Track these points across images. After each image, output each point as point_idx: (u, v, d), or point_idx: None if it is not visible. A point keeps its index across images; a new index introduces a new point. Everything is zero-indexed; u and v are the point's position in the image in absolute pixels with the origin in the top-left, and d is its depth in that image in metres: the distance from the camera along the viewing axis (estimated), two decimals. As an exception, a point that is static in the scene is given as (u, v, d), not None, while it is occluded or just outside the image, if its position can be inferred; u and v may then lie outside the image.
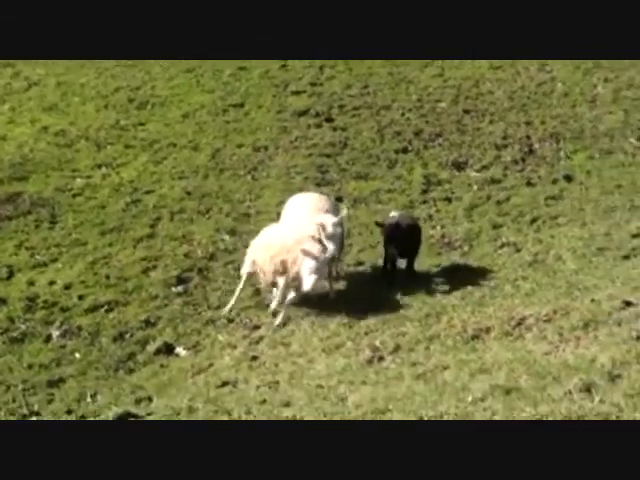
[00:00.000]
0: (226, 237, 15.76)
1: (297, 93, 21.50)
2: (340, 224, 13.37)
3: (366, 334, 12.01)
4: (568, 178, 17.11)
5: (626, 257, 13.30)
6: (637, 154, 17.79)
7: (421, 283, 13.56)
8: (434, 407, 9.06)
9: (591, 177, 16.99)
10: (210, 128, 20.12)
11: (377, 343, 11.56)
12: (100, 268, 15.00)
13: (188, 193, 17.39)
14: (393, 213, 14.12)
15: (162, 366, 12.53)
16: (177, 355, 12.82)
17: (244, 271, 13.63)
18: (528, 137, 18.84)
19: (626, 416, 7.86)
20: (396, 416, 9.07)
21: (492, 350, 10.42)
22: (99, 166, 18.77)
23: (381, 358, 11.21)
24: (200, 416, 10.31)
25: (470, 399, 9.13)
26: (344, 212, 13.87)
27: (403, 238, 13.58)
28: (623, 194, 16.06)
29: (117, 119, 20.92)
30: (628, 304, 11.00)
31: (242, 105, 21.21)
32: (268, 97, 21.39)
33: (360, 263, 14.64)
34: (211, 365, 12.21)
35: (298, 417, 9.67)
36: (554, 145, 18.48)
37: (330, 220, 13.19)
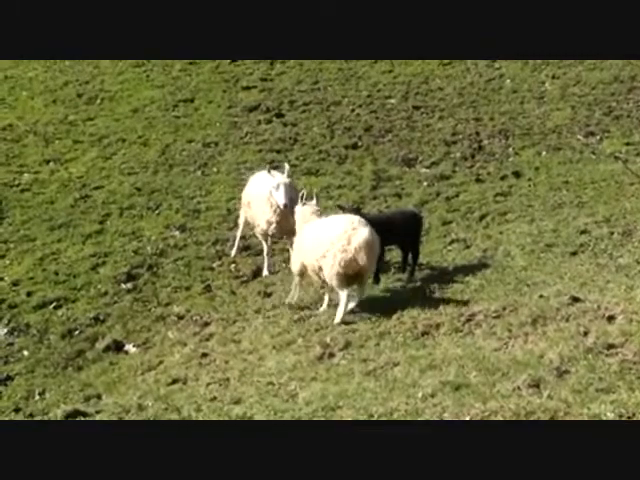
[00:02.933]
0: (176, 233, 15.71)
1: (247, 88, 21.49)
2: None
3: (316, 331, 11.99)
4: (517, 174, 17.24)
5: (574, 253, 13.40)
6: (584, 150, 17.96)
7: (371, 279, 13.58)
8: (384, 403, 9.08)
9: (539, 173, 17.13)
10: (160, 123, 20.04)
11: (327, 340, 11.55)
12: (49, 264, 14.89)
13: (138, 189, 17.31)
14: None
15: (111, 363, 12.44)
16: (126, 352, 12.73)
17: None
18: (477, 133, 18.96)
19: (574, 412, 7.93)
20: (346, 413, 9.09)
21: (442, 346, 10.45)
22: (47, 161, 18.66)
23: (331, 355, 11.19)
24: (150, 414, 10.24)
25: (420, 395, 9.16)
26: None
27: (419, 230, 13.66)
28: (570, 190, 16.19)
29: (66, 114, 20.79)
30: (576, 300, 11.09)
31: (192, 100, 21.17)
32: (218, 92, 21.35)
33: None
34: (161, 362, 12.13)
35: (248, 414, 9.66)
36: (503, 141, 18.62)
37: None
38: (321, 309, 12.60)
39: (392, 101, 20.71)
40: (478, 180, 17.10)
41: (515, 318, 10.89)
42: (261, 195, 14.01)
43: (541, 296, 11.54)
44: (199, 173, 17.89)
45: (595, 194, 15.89)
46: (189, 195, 17.01)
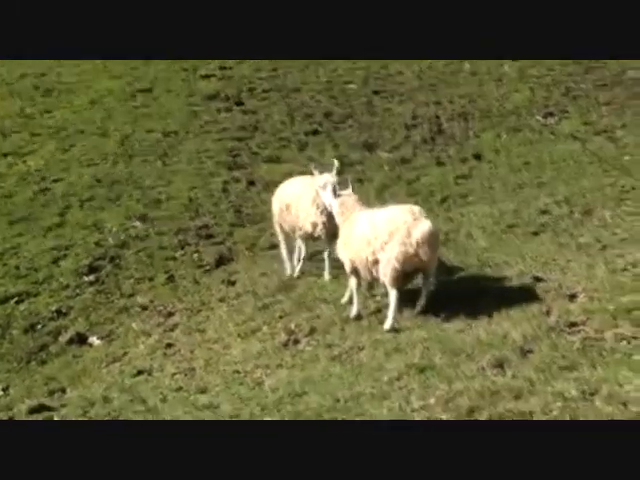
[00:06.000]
0: (137, 224, 15.62)
1: (206, 77, 21.40)
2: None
3: (281, 318, 11.99)
4: (477, 156, 17.30)
5: (535, 233, 13.48)
6: (543, 131, 18.05)
7: (334, 264, 13.57)
8: (350, 388, 9.11)
9: (499, 155, 17.20)
10: (119, 114, 19.90)
11: (292, 326, 11.56)
12: (9, 259, 14.77)
13: (97, 180, 17.19)
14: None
15: (75, 356, 12.38)
16: (90, 345, 12.68)
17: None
18: (437, 117, 19.00)
19: (538, 390, 7.98)
20: (313, 398, 9.11)
21: (406, 329, 10.48)
22: (5, 155, 18.49)
23: (297, 341, 11.21)
24: (115, 406, 10.22)
25: (386, 379, 9.20)
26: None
27: None
28: (530, 171, 16.27)
29: (22, 107, 20.60)
30: (538, 280, 11.16)
31: (151, 90, 21.03)
32: (177, 81, 21.24)
33: (273, 246, 14.61)
34: (125, 354, 12.10)
35: (215, 403, 9.67)
36: (462, 124, 18.67)
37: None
38: (343, 300, 11.73)
39: (352, 86, 20.71)
40: (439, 163, 17.14)
41: (478, 299, 10.93)
42: (303, 196, 12.90)
43: (504, 276, 11.61)
44: (159, 163, 17.79)
45: (555, 174, 15.98)
46: (150, 185, 16.92)
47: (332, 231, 12.31)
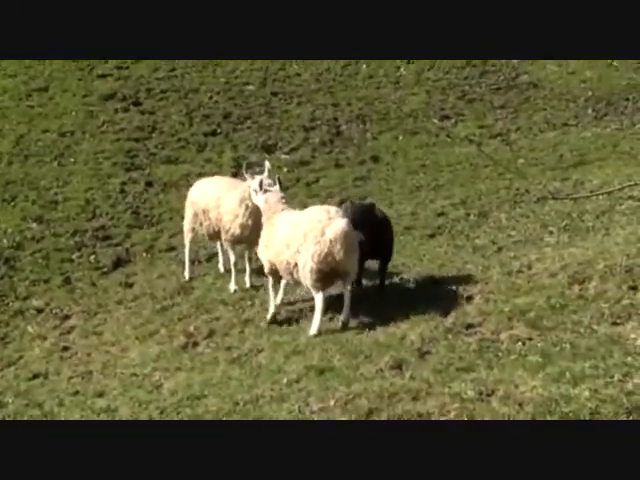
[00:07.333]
0: (33, 225, 15.38)
1: (103, 76, 21.12)
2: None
3: (180, 320, 11.94)
4: (375, 159, 17.46)
5: (432, 235, 13.67)
6: (440, 134, 18.30)
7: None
8: (250, 390, 9.10)
9: (397, 157, 17.38)
10: (13, 113, 19.53)
11: (191, 329, 11.52)
12: None
13: (-9, 181, 16.87)
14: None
15: (-31, 361, 12.13)
16: (-16, 349, 12.43)
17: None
18: (335, 119, 19.11)
19: (436, 391, 8.08)
20: (212, 401, 9.08)
21: (305, 331, 10.53)
22: None
23: (195, 344, 11.17)
24: (10, 410, 10.05)
25: (285, 381, 9.21)
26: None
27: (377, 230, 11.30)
28: (427, 173, 16.48)
29: None
30: (435, 281, 11.31)
31: (46, 89, 20.69)
32: (73, 81, 20.92)
33: (172, 248, 14.54)
34: (20, 357, 11.90)
35: (112, 407, 9.57)
36: (361, 126, 18.82)
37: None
38: (270, 310, 11.29)
39: (250, 87, 20.69)
40: (337, 165, 17.25)
41: (376, 301, 11.03)
42: (227, 198, 12.35)
43: (402, 278, 11.73)
44: (55, 163, 17.53)
45: (451, 177, 16.22)
46: (46, 186, 16.67)
47: (259, 234, 11.50)
